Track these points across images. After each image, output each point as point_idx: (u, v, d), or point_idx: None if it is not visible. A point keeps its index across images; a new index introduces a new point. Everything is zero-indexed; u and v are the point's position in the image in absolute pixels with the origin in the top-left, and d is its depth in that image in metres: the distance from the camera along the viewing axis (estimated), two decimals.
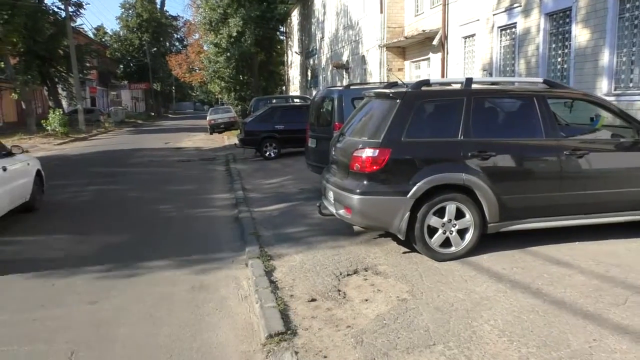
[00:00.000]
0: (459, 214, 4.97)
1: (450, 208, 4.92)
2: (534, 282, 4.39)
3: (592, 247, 5.23)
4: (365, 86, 9.28)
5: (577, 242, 5.38)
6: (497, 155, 4.95)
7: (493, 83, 5.84)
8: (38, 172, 8.43)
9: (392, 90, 5.27)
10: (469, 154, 4.90)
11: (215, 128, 26.84)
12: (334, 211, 5.44)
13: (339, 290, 4.41)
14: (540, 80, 5.68)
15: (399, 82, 5.78)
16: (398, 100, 5.00)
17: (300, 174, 10.85)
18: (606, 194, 5.19)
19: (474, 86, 5.17)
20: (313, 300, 4.23)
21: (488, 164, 4.93)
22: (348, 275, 4.79)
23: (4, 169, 7.00)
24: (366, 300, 4.18)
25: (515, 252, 5.15)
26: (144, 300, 4.52)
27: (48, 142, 23.09)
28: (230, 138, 21.79)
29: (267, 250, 5.65)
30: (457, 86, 5.35)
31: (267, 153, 14.54)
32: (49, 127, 25.55)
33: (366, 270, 4.88)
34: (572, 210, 5.20)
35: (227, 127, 26.77)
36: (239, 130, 18.63)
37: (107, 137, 28.08)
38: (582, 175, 5.16)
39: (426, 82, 5.28)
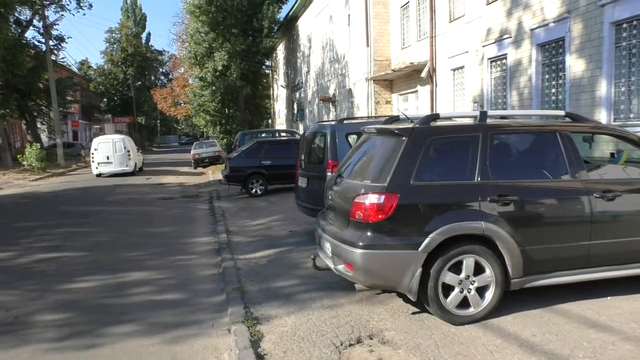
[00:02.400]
0: (478, 269, 4.27)
1: (468, 262, 4.22)
2: (573, 353, 3.66)
3: (628, 304, 4.54)
4: (359, 120, 8.66)
5: (609, 298, 4.69)
6: (519, 199, 4.29)
7: (509, 117, 5.23)
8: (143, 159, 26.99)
9: (397, 126, 4.61)
10: (488, 199, 4.23)
11: (200, 162, 26.15)
12: (331, 266, 4.68)
13: None
14: (562, 113, 5.09)
15: (402, 116, 5.14)
16: (404, 138, 4.33)
17: (289, 214, 10.11)
18: None
19: (489, 121, 4.55)
20: None
21: (509, 209, 4.26)
22: (350, 345, 4.01)
23: (139, 155, 25.46)
24: None
25: (542, 311, 4.44)
26: None
27: (23, 177, 22.10)
28: (215, 173, 21.05)
29: (254, 311, 4.84)
30: (470, 121, 4.72)
31: (254, 190, 13.78)
32: (25, 162, 24.59)
33: (371, 338, 4.11)
34: (604, 261, 4.53)
35: (212, 161, 26.10)
36: (224, 165, 17.93)
37: (87, 172, 27.05)
38: (614, 220, 4.52)
39: (435, 117, 4.64)
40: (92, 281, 6.25)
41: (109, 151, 22.30)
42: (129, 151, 22.61)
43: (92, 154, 22.65)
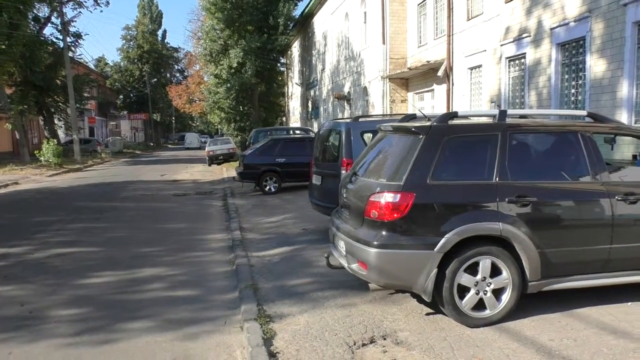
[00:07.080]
0: (494, 271, 4.19)
1: (485, 264, 4.15)
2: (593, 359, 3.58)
3: None
4: (374, 118, 8.59)
5: (629, 303, 4.59)
6: (538, 200, 4.20)
7: (529, 116, 5.13)
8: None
9: (415, 124, 4.55)
10: (506, 199, 4.15)
11: (214, 159, 26.22)
12: (345, 264, 4.64)
13: None
14: (584, 113, 4.98)
15: (419, 113, 5.07)
16: (422, 136, 4.27)
17: (302, 212, 10.09)
18: None
19: (508, 120, 4.46)
20: None
21: (528, 211, 4.18)
22: (363, 345, 3.97)
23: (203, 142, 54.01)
24: None
25: (560, 315, 4.35)
26: None
27: (40, 173, 22.35)
28: (229, 170, 21.11)
29: (267, 308, 4.83)
30: (489, 119, 4.64)
31: (267, 187, 13.79)
32: (42, 158, 24.90)
33: (384, 339, 4.06)
34: (625, 266, 4.43)
35: (226, 158, 26.16)
36: (238, 162, 17.99)
37: (103, 168, 27.38)
38: (636, 224, 4.41)
39: (453, 115, 4.56)
40: (106, 277, 6.29)
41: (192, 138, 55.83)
42: (204, 142, 49.17)
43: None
